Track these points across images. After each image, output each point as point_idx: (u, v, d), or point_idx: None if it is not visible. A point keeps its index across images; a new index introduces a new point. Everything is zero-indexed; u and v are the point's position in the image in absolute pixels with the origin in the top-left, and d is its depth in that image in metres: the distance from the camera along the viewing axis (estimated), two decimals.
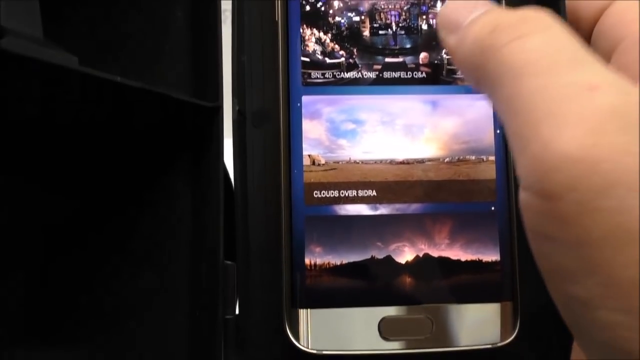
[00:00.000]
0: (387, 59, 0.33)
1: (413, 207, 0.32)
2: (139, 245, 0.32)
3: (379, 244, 0.31)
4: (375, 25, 0.33)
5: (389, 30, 0.33)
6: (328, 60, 0.32)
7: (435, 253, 0.31)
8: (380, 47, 0.33)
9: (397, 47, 0.33)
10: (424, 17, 0.33)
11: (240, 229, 0.31)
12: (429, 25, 0.33)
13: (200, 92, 0.31)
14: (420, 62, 0.33)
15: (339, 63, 0.32)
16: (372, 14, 0.33)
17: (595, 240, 0.18)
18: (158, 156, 0.32)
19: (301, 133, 0.32)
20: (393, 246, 0.31)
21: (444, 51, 0.33)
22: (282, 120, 0.32)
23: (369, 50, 0.33)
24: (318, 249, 0.31)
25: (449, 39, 0.25)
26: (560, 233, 0.19)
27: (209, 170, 0.31)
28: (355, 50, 0.32)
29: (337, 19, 0.32)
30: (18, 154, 0.33)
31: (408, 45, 0.33)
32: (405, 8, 0.33)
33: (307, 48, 0.32)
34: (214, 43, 0.31)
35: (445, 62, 0.33)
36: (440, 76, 0.32)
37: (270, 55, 0.33)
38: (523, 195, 0.20)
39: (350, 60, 0.32)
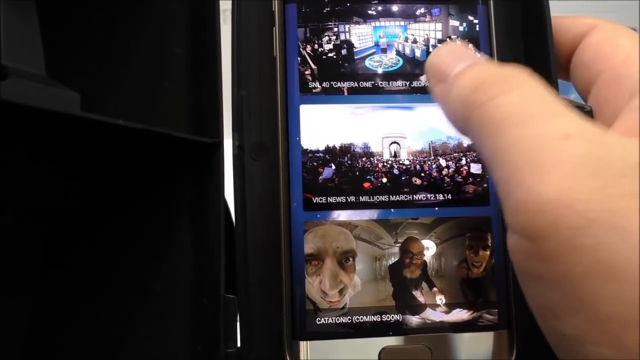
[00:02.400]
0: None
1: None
2: (140, 279, 0.32)
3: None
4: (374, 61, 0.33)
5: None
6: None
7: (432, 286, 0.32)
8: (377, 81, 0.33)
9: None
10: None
11: (240, 262, 0.31)
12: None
13: (201, 128, 0.31)
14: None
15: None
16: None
17: (578, 277, 0.19)
18: (159, 190, 0.32)
19: (300, 166, 0.32)
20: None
21: None
22: (280, 154, 0.32)
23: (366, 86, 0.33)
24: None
25: (437, 89, 0.26)
26: (545, 272, 0.20)
27: (210, 204, 0.31)
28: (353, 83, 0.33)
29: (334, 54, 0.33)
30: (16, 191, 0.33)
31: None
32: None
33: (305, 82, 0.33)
34: (214, 79, 0.31)
35: None
36: None
37: (268, 89, 0.33)
38: (511, 239, 0.22)
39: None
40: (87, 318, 0.33)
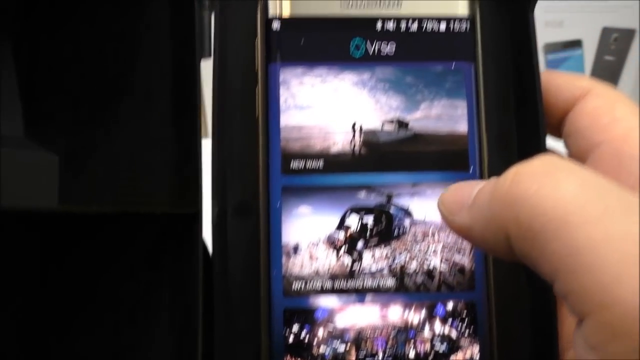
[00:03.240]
0: None
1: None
2: (118, 346, 0.32)
3: (359, 334, 0.31)
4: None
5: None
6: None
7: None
8: None
9: None
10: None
11: (219, 328, 0.31)
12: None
13: (180, 197, 0.31)
14: None
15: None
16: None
17: None
18: (136, 257, 0.32)
19: (280, 226, 0.31)
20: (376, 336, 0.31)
21: None
22: (261, 213, 0.32)
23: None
24: (297, 342, 0.31)
25: (458, 220, 0.23)
26: None
27: (189, 272, 0.30)
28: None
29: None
30: None
31: None
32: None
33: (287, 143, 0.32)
34: (194, 151, 0.30)
35: None
36: None
37: (251, 148, 0.32)
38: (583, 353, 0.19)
39: None
40: None
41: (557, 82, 0.31)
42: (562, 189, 0.19)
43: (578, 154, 0.30)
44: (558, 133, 0.32)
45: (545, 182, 0.19)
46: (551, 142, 0.31)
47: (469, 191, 0.23)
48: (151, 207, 0.28)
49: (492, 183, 0.22)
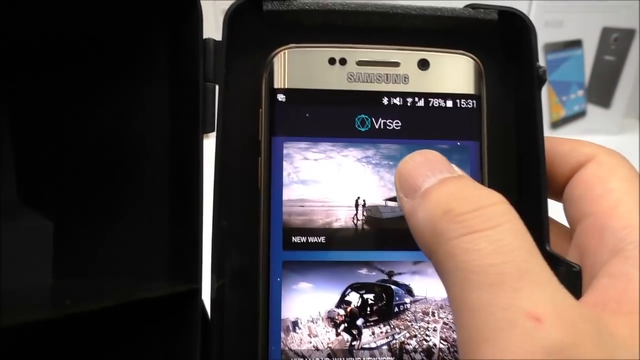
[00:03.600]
0: None
1: None
2: None
3: None
4: None
5: None
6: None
7: None
8: None
9: None
10: None
11: None
12: None
13: (179, 268, 0.31)
14: None
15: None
16: None
17: None
18: (132, 331, 0.32)
19: (280, 301, 0.31)
20: None
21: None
22: (261, 286, 0.32)
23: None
24: None
25: (405, 203, 0.24)
26: None
27: (187, 348, 0.30)
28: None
29: None
30: None
31: None
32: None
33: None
34: (195, 219, 0.30)
35: None
36: None
37: (253, 221, 0.32)
38: None
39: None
40: None
41: (563, 149, 0.31)
42: (476, 244, 0.20)
43: (571, 221, 0.30)
44: (560, 198, 0.31)
45: (467, 228, 0.21)
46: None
47: (420, 181, 0.24)
48: (148, 291, 0.28)
49: (436, 198, 0.23)
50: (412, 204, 0.24)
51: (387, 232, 0.31)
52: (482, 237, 0.21)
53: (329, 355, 0.32)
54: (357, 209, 0.32)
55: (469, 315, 0.20)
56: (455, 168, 0.25)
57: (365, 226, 0.32)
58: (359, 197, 0.32)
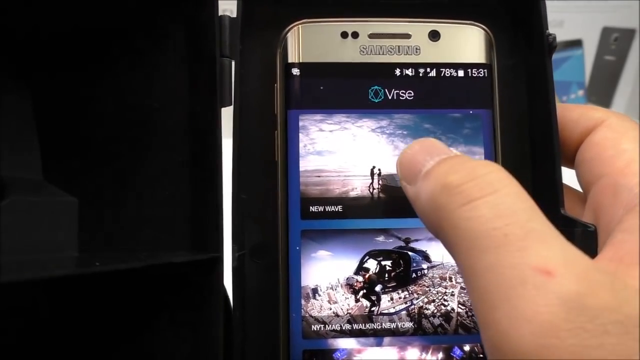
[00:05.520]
0: None
1: None
2: None
3: None
4: None
5: None
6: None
7: None
8: None
9: None
10: None
11: None
12: None
13: (200, 239, 0.31)
14: None
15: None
16: None
17: None
18: (157, 303, 0.32)
19: (300, 269, 0.32)
20: None
21: None
22: (281, 256, 0.32)
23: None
24: None
25: (408, 190, 0.25)
26: None
27: (209, 314, 0.31)
28: None
29: None
30: None
31: None
32: None
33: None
34: (215, 190, 0.31)
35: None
36: None
37: (271, 192, 0.33)
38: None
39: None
40: None
41: (573, 115, 0.31)
42: (476, 212, 0.21)
43: (584, 186, 0.30)
44: (572, 164, 0.32)
45: (466, 197, 0.21)
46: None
47: (421, 165, 0.24)
48: (171, 256, 0.29)
49: (436, 176, 0.23)
50: (415, 189, 0.24)
51: (403, 200, 0.32)
52: (482, 204, 0.21)
53: (348, 321, 0.32)
54: (372, 178, 0.33)
55: (479, 280, 0.20)
56: (453, 150, 0.25)
57: (381, 194, 0.33)
58: (374, 167, 0.33)
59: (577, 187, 0.32)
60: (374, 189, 0.33)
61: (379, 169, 0.33)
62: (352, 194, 0.33)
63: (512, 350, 0.19)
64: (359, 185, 0.33)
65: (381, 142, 0.33)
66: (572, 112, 0.31)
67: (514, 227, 0.20)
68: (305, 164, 0.32)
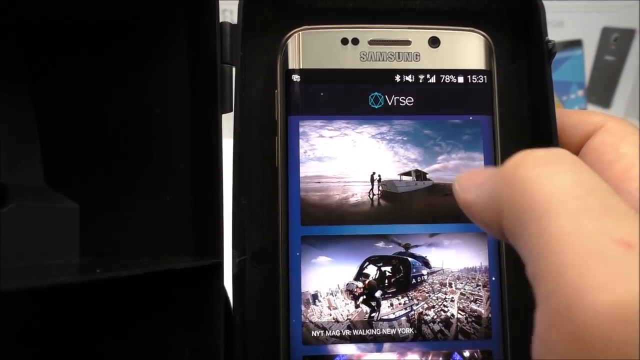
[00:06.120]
0: None
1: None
2: None
3: None
4: None
5: None
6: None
7: None
8: None
9: None
10: None
11: None
12: None
13: (201, 245, 0.31)
14: None
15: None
16: None
17: None
18: (158, 312, 0.32)
19: (300, 275, 0.32)
20: None
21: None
22: (281, 262, 0.32)
23: None
24: None
25: (465, 195, 0.24)
26: None
27: (210, 319, 0.31)
28: None
29: None
30: None
31: None
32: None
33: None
34: (215, 195, 0.31)
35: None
36: None
37: (271, 198, 0.33)
38: (541, 346, 0.19)
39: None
40: None
41: (572, 121, 0.31)
42: (556, 179, 0.20)
43: None
44: None
45: (543, 170, 0.20)
46: None
47: (483, 173, 0.24)
48: (172, 262, 0.29)
49: (501, 166, 0.22)
50: (473, 191, 0.24)
51: (403, 206, 0.32)
52: (565, 173, 0.20)
53: (348, 327, 0.32)
54: (372, 184, 0.33)
55: (552, 245, 0.18)
56: None
57: (381, 201, 0.33)
58: (374, 173, 0.33)
59: None
60: (374, 194, 0.33)
61: (379, 175, 0.33)
62: (352, 200, 0.33)
63: (584, 320, 0.17)
64: (359, 191, 0.33)
65: (381, 147, 0.33)
66: (571, 117, 0.32)
67: (595, 199, 0.19)
68: (306, 169, 0.33)
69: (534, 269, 0.19)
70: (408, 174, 0.33)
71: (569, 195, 0.19)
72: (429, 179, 0.33)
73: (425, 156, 0.33)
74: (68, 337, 0.33)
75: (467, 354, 0.32)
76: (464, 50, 0.33)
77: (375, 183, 0.33)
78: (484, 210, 0.23)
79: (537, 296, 0.19)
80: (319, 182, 0.32)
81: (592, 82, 0.93)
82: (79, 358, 0.33)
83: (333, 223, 0.32)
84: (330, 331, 0.32)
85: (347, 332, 0.32)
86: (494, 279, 0.33)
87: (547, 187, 0.20)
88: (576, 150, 0.31)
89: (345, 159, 0.33)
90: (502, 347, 0.32)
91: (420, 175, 0.33)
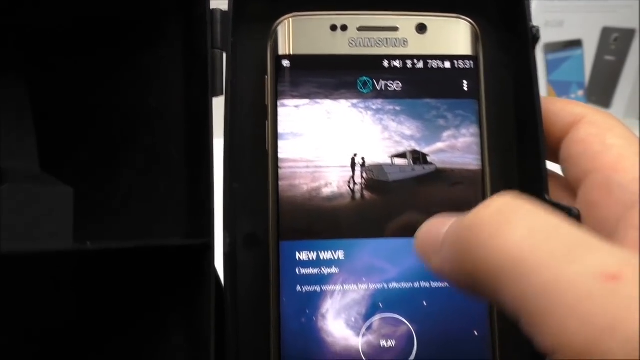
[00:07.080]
0: None
1: None
2: None
3: None
4: None
5: None
6: None
7: None
8: None
9: None
10: None
11: (230, 353, 0.32)
12: None
13: (193, 228, 0.32)
14: None
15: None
16: None
17: None
18: (149, 294, 0.33)
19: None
20: None
21: None
22: (271, 246, 0.33)
23: None
24: None
25: (432, 262, 0.23)
26: None
27: (201, 300, 0.31)
28: None
29: None
30: None
31: None
32: None
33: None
34: (207, 176, 0.31)
35: None
36: None
37: (261, 182, 0.33)
38: None
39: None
40: None
41: (553, 108, 0.32)
42: (512, 235, 0.19)
43: (572, 181, 0.31)
44: (555, 158, 0.32)
45: (497, 228, 0.19)
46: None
47: (439, 231, 0.23)
48: (164, 240, 0.29)
49: (456, 225, 0.22)
50: (437, 256, 0.23)
51: (395, 199, 0.33)
52: (518, 226, 0.19)
53: None
54: (353, 170, 0.33)
55: (536, 302, 0.18)
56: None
57: (365, 192, 0.33)
58: (356, 155, 0.33)
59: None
60: (355, 184, 0.33)
61: (362, 158, 0.33)
62: (325, 191, 0.33)
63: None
64: (334, 180, 0.33)
65: (365, 121, 0.34)
66: (554, 105, 0.32)
67: (557, 240, 0.18)
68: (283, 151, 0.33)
69: (528, 327, 0.18)
70: (402, 155, 0.33)
71: (529, 247, 0.18)
72: (431, 163, 0.33)
73: (426, 132, 0.33)
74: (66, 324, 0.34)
75: None
76: (451, 36, 0.34)
77: (358, 168, 0.33)
78: (455, 276, 0.22)
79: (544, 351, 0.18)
80: (281, 168, 0.32)
81: (592, 82, 0.93)
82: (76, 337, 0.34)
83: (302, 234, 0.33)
84: None
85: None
86: None
87: (506, 247, 0.19)
88: (558, 137, 0.31)
89: (316, 136, 0.33)
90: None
91: (418, 157, 0.33)
